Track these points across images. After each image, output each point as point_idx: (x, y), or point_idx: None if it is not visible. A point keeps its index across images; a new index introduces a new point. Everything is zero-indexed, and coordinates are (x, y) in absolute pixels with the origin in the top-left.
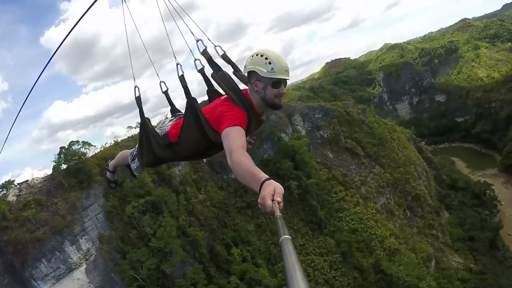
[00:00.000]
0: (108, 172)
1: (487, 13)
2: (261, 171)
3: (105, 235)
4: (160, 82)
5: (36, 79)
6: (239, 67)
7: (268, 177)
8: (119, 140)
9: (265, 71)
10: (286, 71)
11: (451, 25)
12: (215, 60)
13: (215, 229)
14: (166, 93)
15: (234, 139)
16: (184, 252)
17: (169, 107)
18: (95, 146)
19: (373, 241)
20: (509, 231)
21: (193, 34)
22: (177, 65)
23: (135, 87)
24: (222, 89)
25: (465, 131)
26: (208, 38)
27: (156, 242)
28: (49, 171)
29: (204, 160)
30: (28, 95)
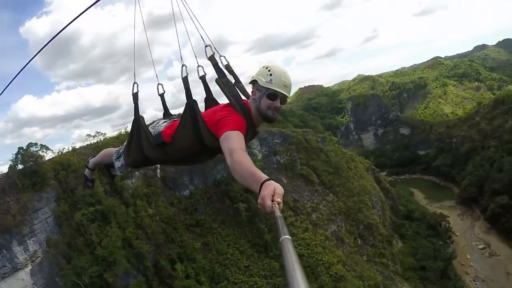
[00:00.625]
0: (87, 169)
1: (459, 53)
2: (261, 172)
3: (53, 239)
4: (158, 84)
5: (15, 71)
6: (240, 79)
7: (268, 177)
8: (77, 146)
9: (264, 80)
10: (285, 86)
11: (423, 62)
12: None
13: (162, 243)
14: (162, 96)
15: (235, 140)
16: (128, 264)
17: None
18: (52, 150)
19: (319, 267)
20: (462, 261)
21: (203, 40)
22: (182, 66)
23: (134, 83)
24: (225, 94)
25: (426, 164)
26: (215, 48)
27: (101, 251)
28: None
29: (158, 175)
30: (5, 89)
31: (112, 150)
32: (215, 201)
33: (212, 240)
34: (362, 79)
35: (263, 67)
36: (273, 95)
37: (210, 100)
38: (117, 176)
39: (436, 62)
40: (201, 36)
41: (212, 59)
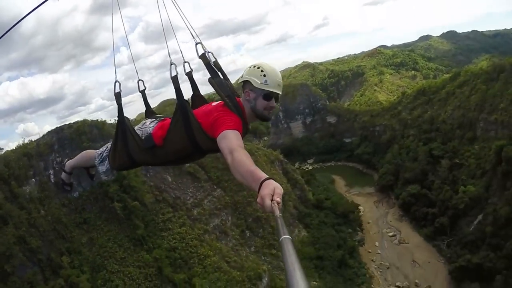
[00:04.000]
0: (63, 173)
1: (405, 42)
2: (261, 171)
3: None
4: (138, 80)
5: None
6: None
7: (267, 176)
8: None
9: (259, 82)
10: (279, 86)
11: (369, 50)
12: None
13: (54, 239)
14: (143, 92)
15: (234, 139)
16: (24, 257)
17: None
18: None
19: (192, 258)
20: (370, 249)
21: (193, 38)
22: (170, 65)
23: (116, 81)
24: (219, 94)
25: (350, 151)
26: (203, 45)
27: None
28: None
29: (52, 180)
30: None
31: (92, 153)
32: (99, 200)
33: (96, 235)
34: (303, 67)
35: (254, 66)
36: (268, 95)
37: (197, 97)
38: (99, 180)
39: (375, 51)
40: (192, 35)
41: (204, 58)
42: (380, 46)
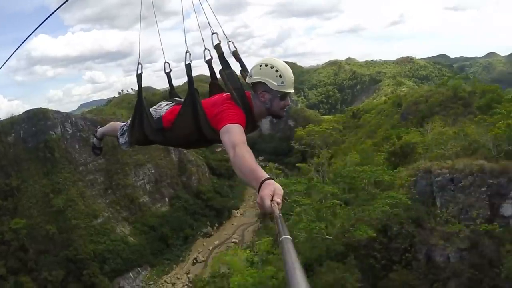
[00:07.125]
0: (95, 138)
1: (470, 56)
2: (262, 169)
3: None
4: (165, 62)
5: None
6: (247, 67)
7: (268, 176)
8: None
9: (275, 84)
10: (293, 84)
11: (428, 57)
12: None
13: None
14: (168, 74)
15: (237, 134)
16: None
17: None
18: None
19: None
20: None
21: (210, 26)
22: (186, 53)
23: (139, 63)
24: (227, 87)
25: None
26: (224, 33)
27: None
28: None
29: None
30: (23, 42)
31: (117, 124)
32: None
33: None
34: (330, 63)
35: (267, 65)
36: (284, 96)
37: (213, 84)
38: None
39: (406, 59)
40: (209, 23)
41: (218, 48)
42: (440, 55)
